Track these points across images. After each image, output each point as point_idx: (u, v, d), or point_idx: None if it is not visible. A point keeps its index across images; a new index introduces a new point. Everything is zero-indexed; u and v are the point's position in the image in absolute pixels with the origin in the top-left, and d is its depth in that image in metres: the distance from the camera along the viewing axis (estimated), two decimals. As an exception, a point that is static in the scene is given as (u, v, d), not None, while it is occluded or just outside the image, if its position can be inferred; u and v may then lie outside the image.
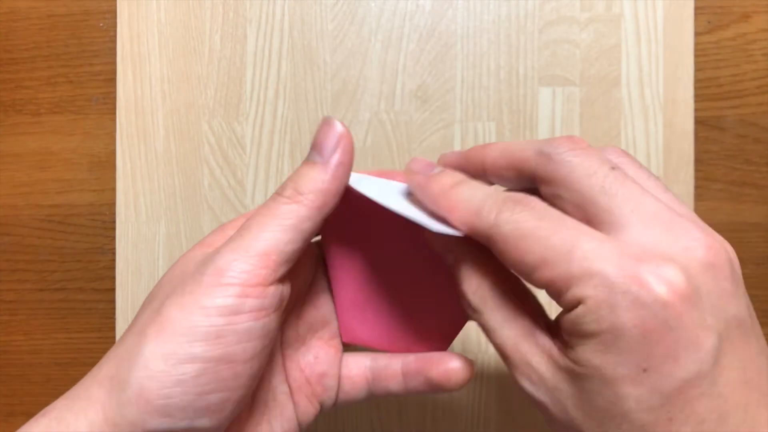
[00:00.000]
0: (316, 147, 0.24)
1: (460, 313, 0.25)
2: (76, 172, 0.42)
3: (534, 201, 0.20)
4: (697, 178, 0.41)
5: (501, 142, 0.23)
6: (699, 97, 0.41)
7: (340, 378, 0.27)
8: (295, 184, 0.23)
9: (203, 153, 0.41)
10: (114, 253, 0.42)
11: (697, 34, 0.41)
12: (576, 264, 0.18)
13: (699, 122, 0.41)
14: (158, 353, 0.20)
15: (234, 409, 0.22)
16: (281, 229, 0.22)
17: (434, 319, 0.26)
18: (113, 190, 0.42)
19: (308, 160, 0.24)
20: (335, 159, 0.23)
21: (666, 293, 0.17)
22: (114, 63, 0.42)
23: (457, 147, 0.41)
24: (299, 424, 0.26)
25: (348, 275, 0.26)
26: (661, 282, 0.18)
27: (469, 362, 0.26)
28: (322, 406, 0.27)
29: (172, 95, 0.42)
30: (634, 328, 0.18)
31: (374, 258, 0.26)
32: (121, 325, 0.41)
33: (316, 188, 0.23)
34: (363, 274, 0.26)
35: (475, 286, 0.22)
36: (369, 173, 0.27)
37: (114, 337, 0.42)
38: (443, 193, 0.22)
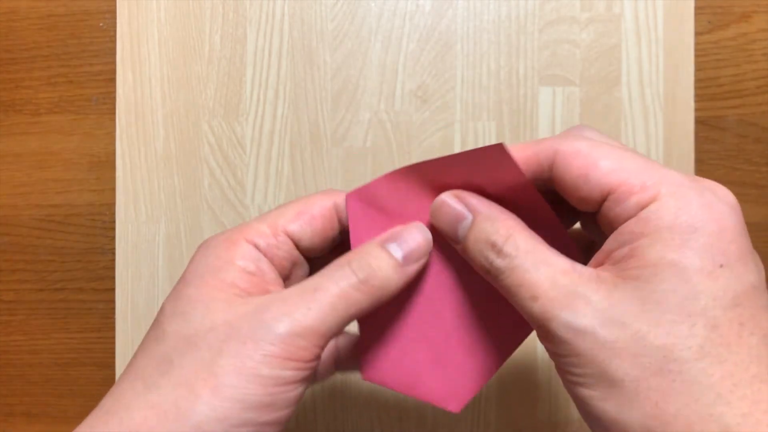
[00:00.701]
0: (402, 241, 0.24)
1: (484, 369, 0.25)
2: (76, 172, 0.42)
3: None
4: (697, 178, 0.41)
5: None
6: (699, 97, 0.41)
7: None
8: (370, 272, 0.23)
9: (203, 153, 0.41)
10: (114, 253, 0.42)
11: (697, 34, 0.41)
12: (648, 172, 0.20)
13: (699, 122, 0.41)
14: (213, 417, 0.20)
15: None
16: (344, 315, 0.22)
17: (460, 370, 0.26)
18: (113, 190, 0.42)
19: (388, 250, 0.23)
20: (413, 269, 0.24)
21: (733, 201, 0.20)
22: (114, 63, 0.42)
23: (457, 147, 0.41)
24: None
25: (378, 310, 0.25)
26: (726, 192, 0.20)
27: None
28: (306, 376, 0.27)
29: (172, 95, 0.42)
30: (712, 222, 0.19)
31: (408, 298, 0.26)
32: (120, 325, 0.41)
33: (384, 287, 0.23)
34: (393, 311, 0.26)
35: (505, 233, 0.22)
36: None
37: (113, 337, 0.42)
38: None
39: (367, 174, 0.41)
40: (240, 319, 0.22)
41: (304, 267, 0.26)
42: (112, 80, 0.42)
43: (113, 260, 0.42)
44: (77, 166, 0.42)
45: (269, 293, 0.23)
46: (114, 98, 0.42)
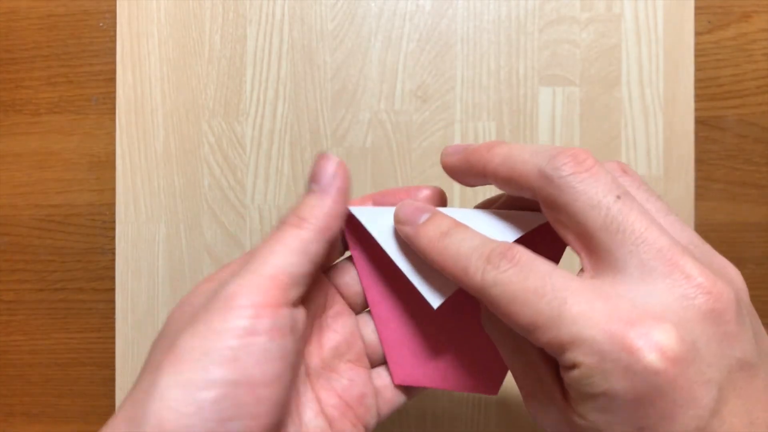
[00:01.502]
0: (313, 178, 0.24)
1: None
2: (76, 172, 0.42)
3: (519, 253, 0.20)
4: (697, 178, 0.41)
5: (504, 146, 0.22)
6: (699, 97, 0.41)
7: (377, 393, 0.27)
8: (297, 211, 0.23)
9: (203, 153, 0.41)
10: (114, 253, 0.42)
11: (697, 34, 0.41)
12: (565, 330, 0.18)
13: (699, 122, 0.41)
14: (173, 382, 0.19)
15: None
16: (288, 252, 0.22)
17: (485, 352, 0.26)
18: (113, 190, 0.42)
19: (308, 191, 0.24)
20: (333, 185, 0.24)
21: (657, 360, 0.17)
22: (114, 63, 0.42)
23: (457, 147, 0.41)
24: None
25: (391, 312, 0.26)
26: (652, 349, 0.17)
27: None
28: (366, 427, 0.26)
29: (172, 95, 0.42)
30: (626, 394, 0.18)
31: (414, 293, 0.26)
32: (120, 325, 0.41)
33: (317, 213, 0.23)
34: (407, 310, 0.26)
35: (485, 316, 0.23)
36: (371, 197, 0.27)
37: (114, 338, 0.42)
38: (432, 247, 0.22)
39: (367, 174, 0.41)
40: (200, 297, 0.22)
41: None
42: (112, 80, 0.42)
43: (113, 260, 0.42)
44: (77, 166, 0.42)
45: None
46: (114, 98, 0.42)
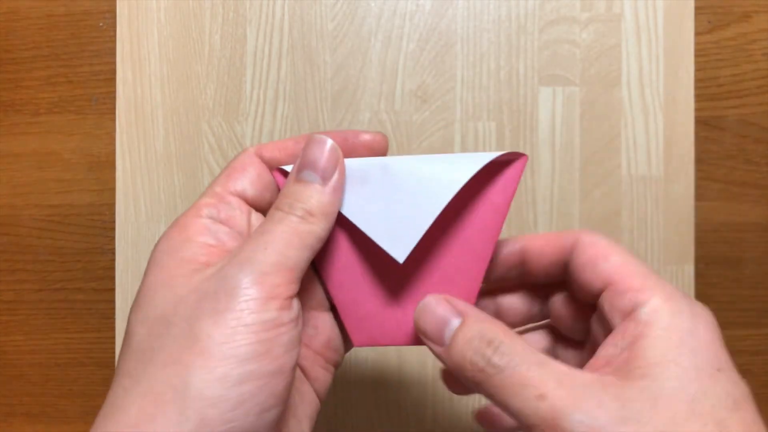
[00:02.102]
0: (310, 165, 0.24)
1: (470, 287, 0.25)
2: (76, 172, 0.42)
3: None
4: (697, 178, 0.41)
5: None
6: (699, 97, 0.41)
7: (341, 331, 0.27)
8: (305, 206, 0.23)
9: (203, 153, 0.41)
10: (114, 253, 0.41)
11: (697, 33, 0.41)
12: (647, 278, 0.22)
13: (699, 122, 0.41)
14: (211, 380, 0.19)
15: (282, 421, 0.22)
16: (302, 247, 0.22)
17: (445, 289, 0.25)
18: (113, 190, 0.42)
19: (306, 180, 0.23)
20: (336, 181, 0.24)
21: (713, 318, 0.21)
22: (114, 63, 0.42)
23: (457, 147, 0.41)
24: (319, 398, 0.27)
25: (342, 273, 0.26)
26: (707, 309, 0.21)
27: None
28: (336, 366, 0.27)
29: (172, 95, 0.42)
30: (703, 330, 0.20)
31: (365, 249, 0.26)
32: (120, 325, 0.41)
33: (325, 211, 0.23)
34: (358, 268, 0.26)
35: (502, 333, 0.22)
36: (304, 138, 0.26)
37: (114, 337, 0.42)
38: (475, 376, 0.22)
39: (367, 174, 0.41)
40: (204, 282, 0.21)
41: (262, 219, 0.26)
42: (112, 80, 0.42)
43: (113, 260, 0.42)
44: (77, 166, 0.42)
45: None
46: (114, 98, 0.42)
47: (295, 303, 0.22)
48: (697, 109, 0.41)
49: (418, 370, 0.41)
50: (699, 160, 0.41)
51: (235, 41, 0.41)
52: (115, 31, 0.42)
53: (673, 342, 0.20)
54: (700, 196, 0.41)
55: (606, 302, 0.22)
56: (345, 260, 0.26)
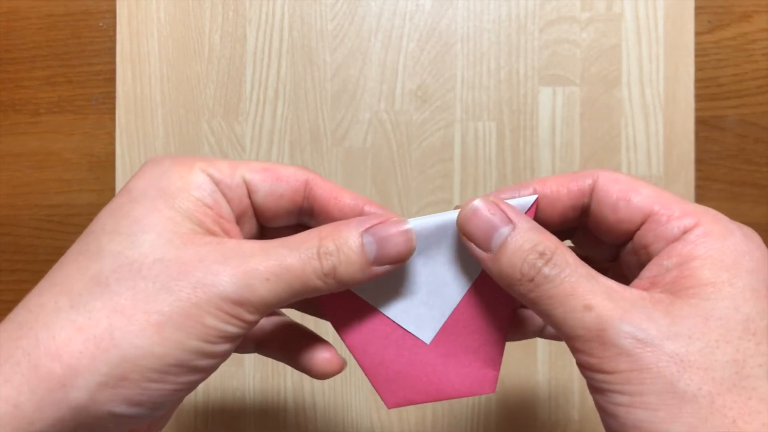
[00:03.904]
0: (379, 240, 0.22)
1: (497, 342, 0.25)
2: (76, 172, 0.42)
3: None
4: (697, 178, 0.41)
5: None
6: (699, 96, 0.41)
7: None
8: (338, 264, 0.21)
9: (203, 153, 0.41)
10: (114, 253, 0.41)
11: (697, 33, 0.41)
12: (685, 203, 0.21)
13: (699, 122, 0.41)
14: (151, 352, 0.20)
15: None
16: (295, 295, 0.21)
17: (474, 353, 0.25)
18: (113, 190, 0.42)
19: (364, 244, 0.21)
20: (381, 271, 0.22)
21: (760, 239, 0.21)
22: (114, 63, 0.42)
23: (457, 147, 0.41)
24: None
25: (366, 338, 0.25)
26: (753, 231, 0.21)
27: (341, 358, 0.26)
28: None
29: (172, 95, 0.42)
30: (756, 250, 0.20)
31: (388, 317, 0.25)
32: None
33: (350, 280, 0.22)
34: (382, 331, 0.25)
35: (553, 245, 0.21)
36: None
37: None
38: (523, 287, 0.21)
39: (367, 174, 0.41)
40: (196, 260, 0.20)
41: (252, 223, 0.24)
42: (112, 80, 0.42)
43: (113, 260, 0.42)
44: (77, 166, 0.42)
45: (226, 233, 0.22)
46: (114, 98, 0.42)
47: (252, 327, 0.21)
48: (697, 109, 0.41)
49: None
50: (699, 160, 0.41)
51: (235, 41, 0.41)
52: (115, 31, 0.42)
53: (726, 263, 0.19)
54: (700, 196, 0.41)
55: (649, 233, 0.21)
56: (368, 324, 0.25)
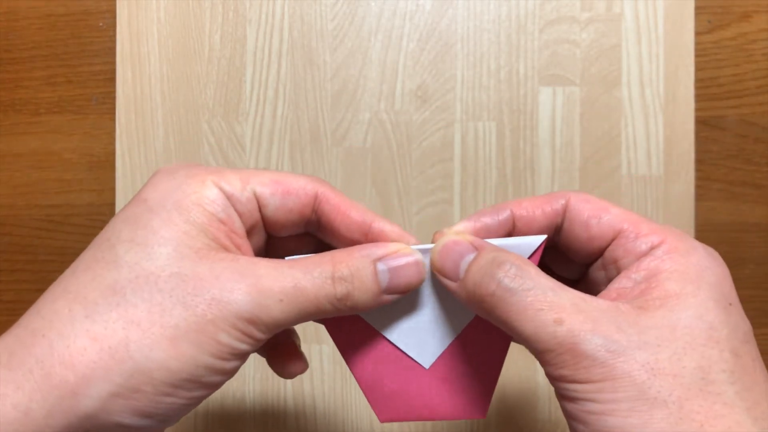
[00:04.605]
0: (392, 270, 0.22)
1: (492, 370, 0.25)
2: (76, 172, 0.42)
3: None
4: (697, 178, 0.41)
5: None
6: (699, 96, 0.41)
7: None
8: (352, 290, 0.22)
9: (203, 153, 0.41)
10: (114, 253, 0.41)
11: (697, 33, 0.41)
12: (651, 223, 0.23)
13: (699, 122, 0.41)
14: (165, 367, 0.20)
15: None
16: (305, 317, 0.21)
17: (468, 378, 0.26)
18: (113, 190, 0.42)
19: (378, 272, 0.22)
20: (390, 299, 0.23)
21: (721, 259, 0.22)
22: (114, 63, 0.42)
23: (457, 147, 0.41)
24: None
25: (364, 354, 0.26)
26: (714, 251, 0.23)
27: (306, 363, 0.27)
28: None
29: (172, 95, 0.42)
30: (717, 267, 0.21)
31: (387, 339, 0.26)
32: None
33: (362, 306, 0.22)
34: (379, 350, 0.26)
35: (516, 260, 0.22)
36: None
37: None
38: (491, 302, 0.21)
39: (367, 174, 0.41)
40: (212, 277, 0.20)
41: (261, 235, 0.24)
42: (112, 80, 0.42)
43: (113, 260, 0.42)
44: (77, 166, 0.42)
45: (237, 248, 0.22)
46: (114, 98, 0.42)
47: (261, 345, 0.22)
48: (697, 109, 0.41)
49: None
50: (699, 160, 0.41)
51: (235, 41, 0.41)
52: (115, 31, 0.42)
53: (690, 276, 0.20)
54: (700, 196, 0.41)
55: (619, 248, 0.22)
56: (368, 343, 0.25)
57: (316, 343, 0.41)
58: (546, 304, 0.20)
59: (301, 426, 0.41)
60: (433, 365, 0.25)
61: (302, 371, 0.27)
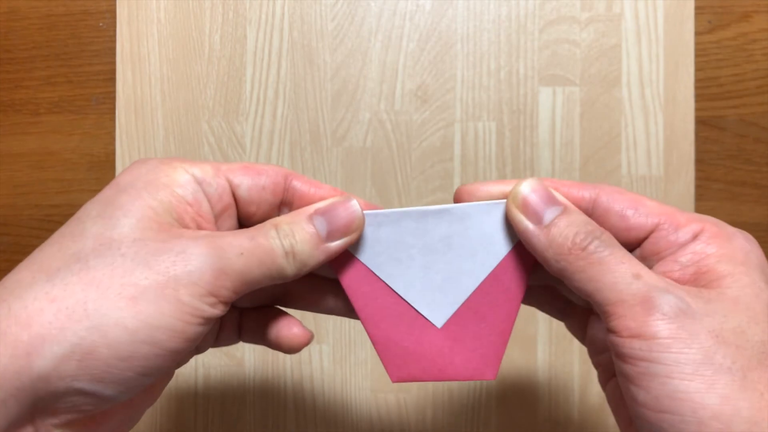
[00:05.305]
0: (327, 217, 0.23)
1: (503, 332, 0.26)
2: (76, 172, 0.42)
3: None
4: (697, 178, 0.41)
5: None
6: (699, 96, 0.41)
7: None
8: (295, 243, 0.23)
9: (203, 153, 0.41)
10: (114, 253, 0.41)
11: (697, 33, 0.41)
12: (686, 213, 0.24)
13: (699, 122, 0.41)
14: (122, 326, 0.20)
15: None
16: (267, 274, 0.22)
17: (479, 339, 0.26)
18: (113, 190, 0.42)
19: (314, 224, 0.23)
20: (335, 247, 0.24)
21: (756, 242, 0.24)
22: (114, 63, 0.42)
23: (457, 147, 0.41)
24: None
25: (379, 313, 0.26)
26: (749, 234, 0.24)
27: (308, 331, 0.27)
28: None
29: (172, 95, 0.42)
30: (756, 249, 0.22)
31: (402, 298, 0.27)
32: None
33: (307, 261, 0.23)
34: (393, 309, 0.26)
35: (598, 225, 0.23)
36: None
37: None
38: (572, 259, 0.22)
39: (367, 174, 0.41)
40: (172, 239, 0.21)
41: (232, 221, 0.25)
42: (112, 80, 0.42)
43: (113, 260, 0.42)
44: (77, 166, 0.42)
45: (202, 229, 0.23)
46: (114, 98, 0.42)
47: (226, 307, 0.22)
48: (697, 109, 0.41)
49: (418, 370, 0.41)
50: (699, 160, 0.41)
51: (235, 41, 0.41)
52: (115, 31, 0.42)
53: (738, 258, 0.21)
54: (700, 196, 0.41)
55: (661, 241, 0.23)
56: (383, 302, 0.26)
57: (316, 343, 0.41)
58: (627, 260, 0.21)
59: (301, 426, 0.41)
60: (445, 325, 0.26)
61: (306, 340, 0.27)
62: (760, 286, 0.21)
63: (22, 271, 0.21)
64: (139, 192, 0.22)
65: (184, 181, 0.23)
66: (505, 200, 0.24)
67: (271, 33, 0.41)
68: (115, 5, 0.42)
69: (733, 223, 0.24)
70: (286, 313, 0.28)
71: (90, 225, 0.21)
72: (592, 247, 0.22)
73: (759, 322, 0.20)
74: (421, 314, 0.26)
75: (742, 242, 0.22)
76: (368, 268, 0.25)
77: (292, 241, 0.23)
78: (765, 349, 0.20)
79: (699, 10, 0.41)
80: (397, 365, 0.26)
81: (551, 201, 0.23)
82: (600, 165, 0.41)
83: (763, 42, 0.41)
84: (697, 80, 0.41)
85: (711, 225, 0.22)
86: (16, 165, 0.42)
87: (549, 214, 0.23)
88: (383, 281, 0.26)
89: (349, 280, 0.26)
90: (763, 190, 0.41)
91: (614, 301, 0.21)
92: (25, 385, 0.19)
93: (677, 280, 0.22)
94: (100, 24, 0.42)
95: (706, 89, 0.41)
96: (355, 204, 0.24)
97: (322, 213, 0.23)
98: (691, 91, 0.41)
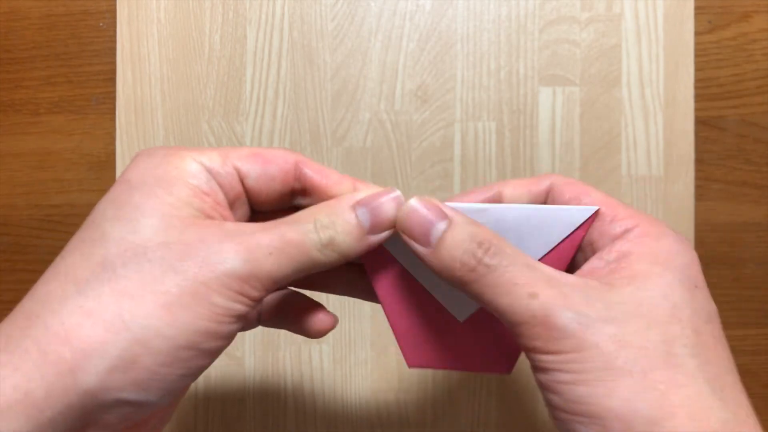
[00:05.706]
0: (371, 209, 0.23)
1: None
2: (76, 172, 0.42)
3: None
4: (697, 178, 0.41)
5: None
6: (699, 97, 0.41)
7: None
8: (335, 235, 0.22)
9: (203, 153, 0.41)
10: (114, 253, 0.41)
11: (697, 33, 0.41)
12: (628, 208, 0.24)
13: (699, 122, 0.41)
14: (162, 334, 0.20)
15: None
16: (299, 269, 0.22)
17: (498, 333, 0.26)
18: (113, 190, 0.42)
19: (357, 215, 0.23)
20: (377, 240, 0.23)
21: (691, 246, 0.23)
22: (114, 63, 0.42)
23: (457, 147, 0.41)
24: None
25: (401, 299, 0.26)
26: (685, 238, 0.24)
27: (333, 316, 0.27)
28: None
29: (172, 95, 0.42)
30: (685, 252, 0.22)
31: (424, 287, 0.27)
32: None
33: (349, 250, 0.22)
34: (416, 298, 0.26)
35: (490, 236, 0.22)
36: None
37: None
38: (463, 276, 0.22)
39: (367, 174, 0.41)
40: (199, 241, 0.21)
41: (245, 209, 0.25)
42: (112, 80, 0.42)
43: (113, 260, 0.42)
44: (77, 166, 0.42)
45: (223, 219, 0.23)
46: (114, 98, 0.42)
47: (258, 304, 0.22)
48: (697, 109, 0.41)
49: (419, 370, 0.41)
50: (699, 160, 0.41)
51: (235, 41, 0.41)
52: (115, 31, 0.42)
53: (659, 259, 0.21)
54: (699, 196, 0.41)
55: (595, 231, 0.24)
56: (406, 290, 0.26)
57: (317, 343, 0.41)
58: (521, 279, 0.21)
59: (301, 426, 0.41)
60: (467, 319, 0.26)
61: (331, 325, 0.27)
62: (671, 287, 0.21)
63: (51, 282, 0.20)
64: (152, 189, 0.21)
65: (195, 171, 0.22)
66: (540, 206, 0.25)
67: (271, 33, 0.41)
68: (115, 5, 0.42)
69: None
70: (308, 298, 0.28)
71: (109, 228, 0.21)
72: (480, 268, 0.21)
73: (660, 323, 0.20)
74: (443, 306, 0.26)
75: (671, 243, 0.22)
76: (393, 257, 0.25)
77: (332, 233, 0.22)
78: (668, 348, 0.20)
79: (699, 10, 0.41)
80: (415, 351, 0.26)
81: (433, 218, 0.22)
82: (600, 165, 0.41)
83: (763, 42, 0.41)
84: (697, 80, 0.41)
85: (646, 223, 0.23)
86: (16, 165, 0.42)
87: (434, 234, 0.22)
88: (409, 272, 0.25)
89: (374, 266, 0.25)
90: (763, 190, 0.41)
91: (516, 322, 0.21)
92: (72, 402, 0.19)
93: (602, 278, 0.22)
94: (100, 24, 0.42)
95: (706, 89, 0.41)
96: (401, 197, 0.23)
97: (365, 204, 0.23)
98: (690, 91, 0.41)
